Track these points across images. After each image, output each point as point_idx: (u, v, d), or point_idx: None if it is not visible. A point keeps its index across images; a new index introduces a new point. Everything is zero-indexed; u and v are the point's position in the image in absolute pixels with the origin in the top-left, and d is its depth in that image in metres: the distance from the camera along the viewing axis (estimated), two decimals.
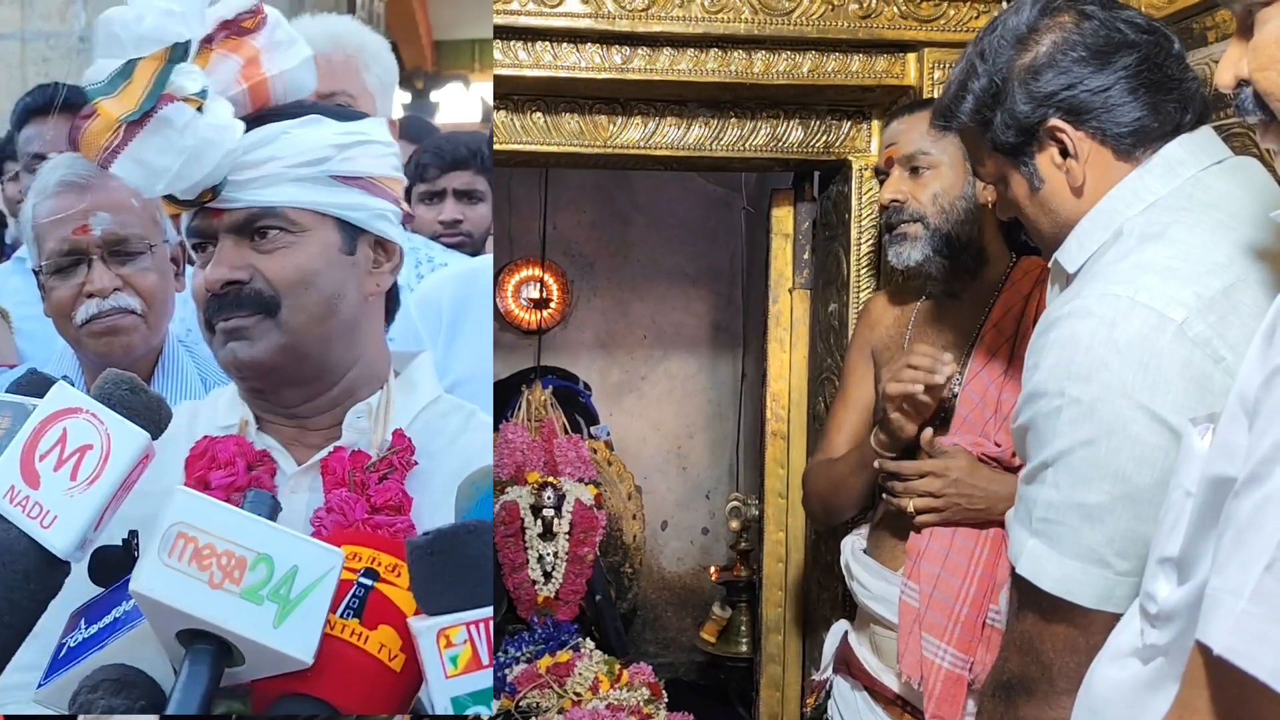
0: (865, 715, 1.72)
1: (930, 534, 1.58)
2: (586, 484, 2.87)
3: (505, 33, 1.96)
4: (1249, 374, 0.73)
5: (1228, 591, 0.68)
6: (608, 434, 3.39)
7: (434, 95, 5.25)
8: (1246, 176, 1.08)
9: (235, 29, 1.21)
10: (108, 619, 1.01)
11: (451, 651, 0.88)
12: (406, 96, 4.76)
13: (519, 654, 2.66)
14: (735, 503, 2.98)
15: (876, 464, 1.64)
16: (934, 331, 1.72)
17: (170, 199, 1.20)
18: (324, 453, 1.21)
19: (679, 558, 3.78)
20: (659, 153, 2.16)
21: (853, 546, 1.77)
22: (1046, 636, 1.05)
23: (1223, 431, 0.76)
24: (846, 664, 1.77)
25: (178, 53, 1.14)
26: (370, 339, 1.28)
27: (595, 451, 3.10)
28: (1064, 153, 1.11)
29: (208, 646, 0.87)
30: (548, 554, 2.79)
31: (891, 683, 1.66)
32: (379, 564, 0.99)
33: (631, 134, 2.15)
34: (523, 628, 2.76)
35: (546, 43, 1.99)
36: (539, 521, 2.78)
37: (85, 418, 0.95)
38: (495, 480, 2.92)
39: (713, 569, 3.35)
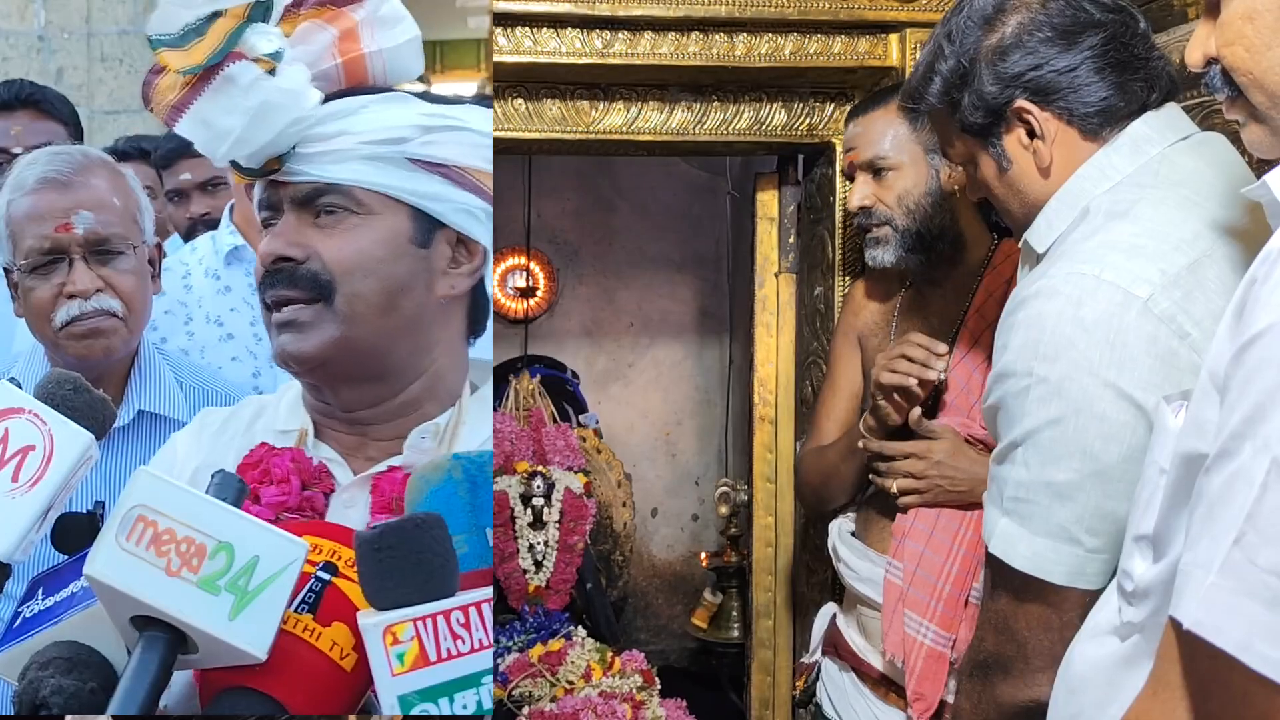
0: (853, 696, 1.73)
1: (915, 513, 1.59)
2: (576, 472, 2.87)
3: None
4: (1219, 350, 0.73)
5: (1198, 566, 0.68)
6: (596, 422, 3.39)
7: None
8: (1213, 152, 1.08)
9: None
10: (65, 592, 0.98)
11: (398, 648, 0.85)
12: None
13: (510, 643, 2.67)
14: (724, 488, 2.98)
15: (861, 444, 1.64)
16: (919, 318, 1.73)
17: (237, 168, 1.13)
18: (381, 467, 1.15)
19: (669, 545, 3.78)
20: (642, 138, 2.15)
21: (840, 529, 1.78)
22: (1020, 615, 1.06)
23: (1194, 408, 0.76)
24: (834, 646, 1.78)
25: (258, 12, 1.09)
26: (445, 347, 1.19)
27: (584, 440, 3.10)
28: (1031, 133, 1.12)
29: (161, 634, 0.85)
30: (538, 543, 2.79)
31: (877, 663, 1.67)
32: (339, 558, 0.95)
33: (614, 119, 2.14)
34: (514, 617, 2.76)
35: (526, 28, 1.98)
36: (529, 511, 2.79)
37: (27, 418, 0.91)
38: None
39: (703, 555, 3.36)
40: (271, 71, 1.08)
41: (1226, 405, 0.70)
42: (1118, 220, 1.02)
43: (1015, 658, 1.07)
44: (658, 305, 3.73)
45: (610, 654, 2.58)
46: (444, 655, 0.86)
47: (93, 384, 0.97)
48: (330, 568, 0.94)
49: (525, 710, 2.41)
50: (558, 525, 2.81)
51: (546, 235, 3.63)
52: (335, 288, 1.11)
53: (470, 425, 1.18)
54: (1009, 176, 1.15)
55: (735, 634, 3.18)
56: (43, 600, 1.00)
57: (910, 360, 1.55)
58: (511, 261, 3.57)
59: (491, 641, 0.88)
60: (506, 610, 2.81)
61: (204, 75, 1.07)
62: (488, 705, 0.89)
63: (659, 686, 2.53)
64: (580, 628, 2.68)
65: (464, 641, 0.87)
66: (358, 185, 1.11)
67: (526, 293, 3.58)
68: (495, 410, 2.99)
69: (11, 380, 0.96)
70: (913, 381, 1.54)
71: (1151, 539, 0.82)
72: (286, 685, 0.89)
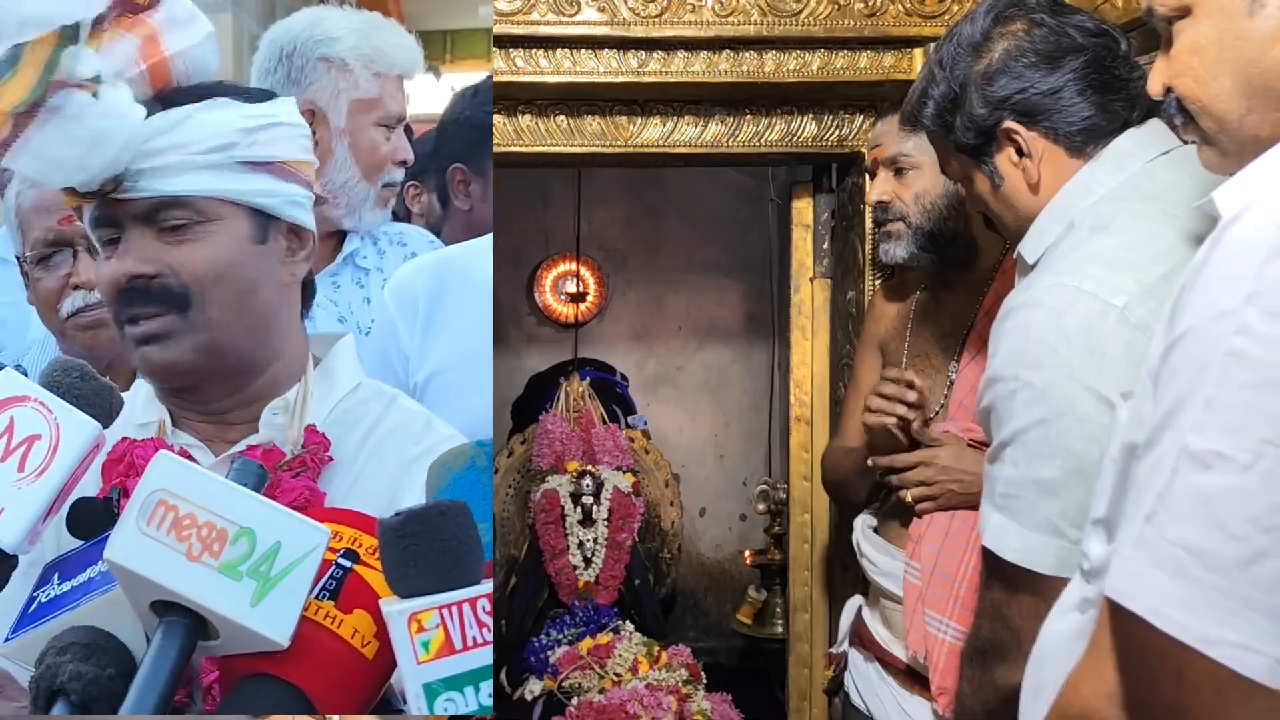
0: (877, 686, 1.79)
1: (930, 516, 1.64)
2: (624, 472, 2.97)
3: (526, 41, 2.04)
4: (1155, 349, 0.80)
5: (1123, 543, 0.76)
6: (645, 423, 3.48)
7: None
8: (1194, 166, 1.12)
9: (129, 6, 1.12)
10: (82, 577, 0.96)
11: (423, 636, 0.82)
12: None
13: (560, 636, 2.76)
14: (764, 486, 3.05)
15: (870, 461, 1.70)
16: (931, 322, 1.79)
17: (70, 191, 1.13)
18: (240, 446, 1.17)
19: (717, 544, 3.85)
20: (679, 150, 2.23)
21: (863, 525, 1.84)
22: (1013, 604, 1.12)
23: (1135, 403, 0.84)
24: (860, 637, 1.84)
25: (68, 35, 1.07)
26: (290, 331, 1.23)
27: (632, 440, 3.19)
28: (1019, 152, 1.18)
29: (181, 620, 0.83)
30: (587, 540, 2.89)
31: (901, 654, 1.72)
32: (360, 545, 0.93)
33: (651, 133, 2.22)
34: (564, 611, 2.86)
35: (566, 50, 2.07)
36: (578, 509, 2.89)
37: (33, 406, 0.91)
38: (536, 470, 3.03)
39: (747, 553, 3.42)
40: (94, 95, 1.07)
41: (1155, 400, 0.77)
42: (1099, 233, 1.09)
43: (1010, 643, 1.13)
44: (706, 310, 3.81)
45: (657, 648, 2.66)
46: (469, 643, 0.83)
47: (100, 374, 0.98)
48: (351, 555, 0.93)
49: (574, 701, 2.51)
50: (606, 523, 2.90)
51: (596, 242, 3.73)
52: (191, 299, 1.13)
53: (318, 397, 1.21)
54: (1002, 192, 1.22)
55: (779, 629, 3.24)
56: (59, 585, 0.97)
57: (885, 397, 1.60)
58: (563, 268, 3.68)
59: (491, 635, 0.85)
60: (557, 604, 2.91)
61: (26, 110, 1.06)
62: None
63: (704, 680, 2.60)
64: (628, 622, 2.77)
65: (488, 630, 0.84)
66: (199, 195, 1.12)
67: (577, 298, 3.68)
68: (546, 411, 3.09)
69: (17, 368, 0.97)
70: (891, 420, 1.60)
71: (1105, 522, 0.89)
72: (308, 672, 0.87)
